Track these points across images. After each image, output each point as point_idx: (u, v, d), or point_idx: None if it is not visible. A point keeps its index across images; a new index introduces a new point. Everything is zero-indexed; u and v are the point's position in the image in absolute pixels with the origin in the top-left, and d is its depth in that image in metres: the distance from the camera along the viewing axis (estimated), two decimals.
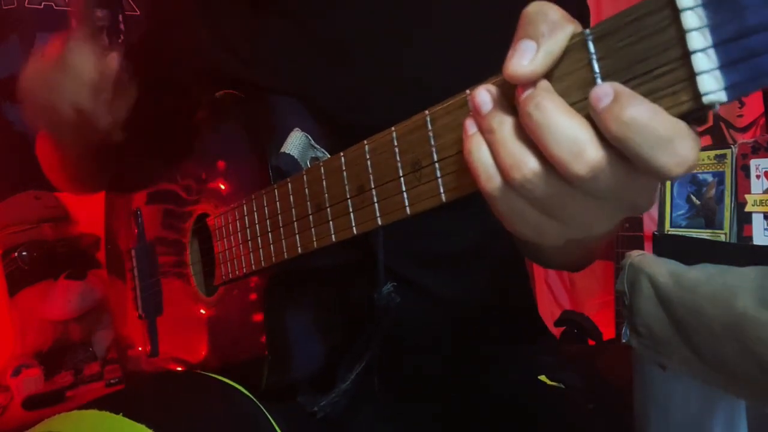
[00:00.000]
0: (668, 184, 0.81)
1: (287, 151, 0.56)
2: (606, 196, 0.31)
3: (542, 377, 0.71)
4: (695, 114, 0.28)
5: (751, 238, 0.71)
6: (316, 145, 0.57)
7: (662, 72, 0.28)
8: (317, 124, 0.61)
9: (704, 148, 0.77)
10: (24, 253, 1.39)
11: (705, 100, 0.26)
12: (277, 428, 0.56)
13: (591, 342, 1.65)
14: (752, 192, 0.71)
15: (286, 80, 0.67)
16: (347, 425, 0.64)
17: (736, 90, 0.26)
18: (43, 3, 1.45)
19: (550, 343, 0.83)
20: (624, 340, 0.73)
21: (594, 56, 0.30)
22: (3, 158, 1.40)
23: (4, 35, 1.41)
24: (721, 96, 0.26)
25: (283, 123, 0.59)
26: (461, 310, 0.71)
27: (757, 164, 0.71)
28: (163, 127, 0.82)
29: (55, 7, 1.46)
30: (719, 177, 0.74)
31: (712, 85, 0.26)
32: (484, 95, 0.33)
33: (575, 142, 0.29)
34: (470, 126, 0.34)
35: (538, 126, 0.30)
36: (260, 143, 0.62)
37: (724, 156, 0.74)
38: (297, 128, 0.58)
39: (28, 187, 1.39)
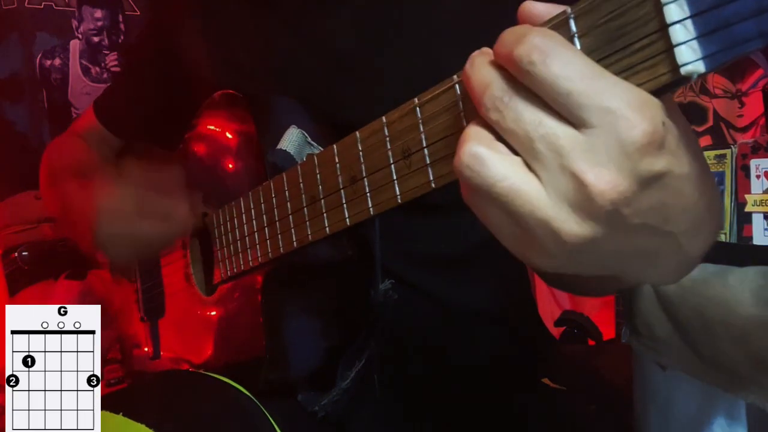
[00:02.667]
0: None
1: (283, 148, 0.57)
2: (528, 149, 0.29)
3: (545, 380, 0.71)
4: (674, 87, 0.28)
5: (751, 238, 0.70)
6: (312, 142, 0.57)
7: (641, 46, 0.28)
8: (314, 121, 0.61)
9: (704, 148, 0.77)
10: (24, 253, 1.38)
11: (683, 71, 0.27)
12: (276, 428, 0.56)
13: (591, 342, 1.65)
14: (752, 192, 0.71)
15: (283, 82, 0.67)
16: (348, 424, 0.64)
17: (713, 60, 0.26)
18: (43, 3, 1.45)
19: (550, 344, 0.83)
20: (624, 340, 0.73)
21: (576, 35, 0.30)
22: (3, 158, 1.40)
23: (4, 35, 1.41)
24: (699, 66, 0.27)
25: (280, 120, 0.59)
26: (460, 312, 0.71)
27: (757, 164, 0.71)
28: (164, 127, 0.82)
29: (55, 7, 1.46)
30: (719, 177, 0.74)
31: (689, 56, 0.27)
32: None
33: (518, 31, 0.29)
34: None
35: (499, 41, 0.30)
36: (257, 141, 0.63)
37: (724, 156, 0.74)
38: (293, 125, 0.58)
39: (28, 187, 1.39)
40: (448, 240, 0.70)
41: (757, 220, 0.71)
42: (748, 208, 0.72)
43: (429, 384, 0.70)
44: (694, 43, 0.26)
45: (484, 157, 0.29)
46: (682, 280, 0.64)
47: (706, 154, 0.77)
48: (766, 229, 0.71)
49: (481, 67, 0.30)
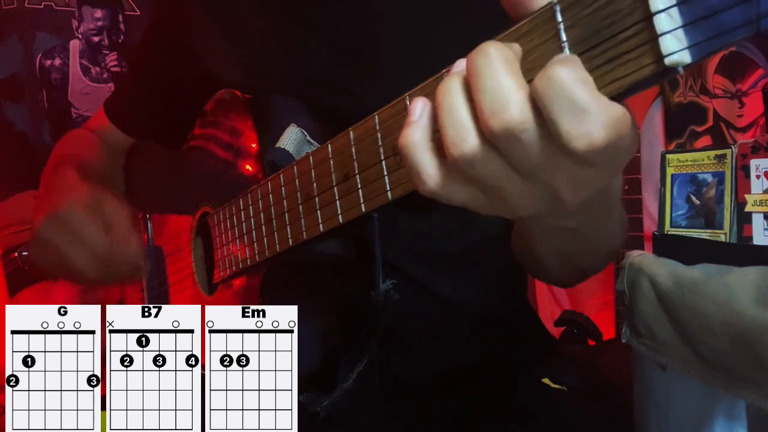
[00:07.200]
0: (668, 184, 0.81)
1: (282, 146, 0.57)
2: (525, 170, 0.31)
3: (545, 380, 0.71)
4: (661, 78, 0.27)
5: (751, 238, 0.70)
6: (311, 140, 0.57)
7: (626, 36, 0.27)
8: (313, 120, 0.61)
9: (704, 148, 0.77)
10: (24, 253, 1.38)
11: (668, 61, 0.26)
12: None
13: (591, 342, 1.65)
14: (752, 192, 0.71)
15: (289, 76, 0.67)
16: (349, 425, 0.64)
17: (699, 50, 0.26)
18: (43, 3, 1.45)
19: (551, 344, 0.83)
20: (624, 340, 0.73)
21: (562, 25, 0.29)
22: (3, 158, 1.40)
23: (4, 35, 1.41)
24: (685, 56, 0.26)
25: (280, 118, 0.59)
26: (461, 311, 0.71)
27: (757, 164, 0.71)
28: (171, 126, 0.82)
29: (55, 7, 1.46)
30: (719, 177, 0.74)
31: (674, 46, 0.26)
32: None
33: (504, 96, 0.29)
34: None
35: (476, 71, 0.29)
36: (257, 139, 0.63)
37: (724, 156, 0.74)
38: (293, 123, 0.58)
39: (28, 187, 1.39)
40: (449, 237, 0.70)
41: (757, 220, 0.71)
42: (748, 208, 0.72)
43: (429, 384, 0.70)
44: (680, 32, 0.26)
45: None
46: (682, 281, 0.64)
47: (706, 154, 0.77)
48: (766, 229, 0.70)
49: (497, 75, 0.29)
